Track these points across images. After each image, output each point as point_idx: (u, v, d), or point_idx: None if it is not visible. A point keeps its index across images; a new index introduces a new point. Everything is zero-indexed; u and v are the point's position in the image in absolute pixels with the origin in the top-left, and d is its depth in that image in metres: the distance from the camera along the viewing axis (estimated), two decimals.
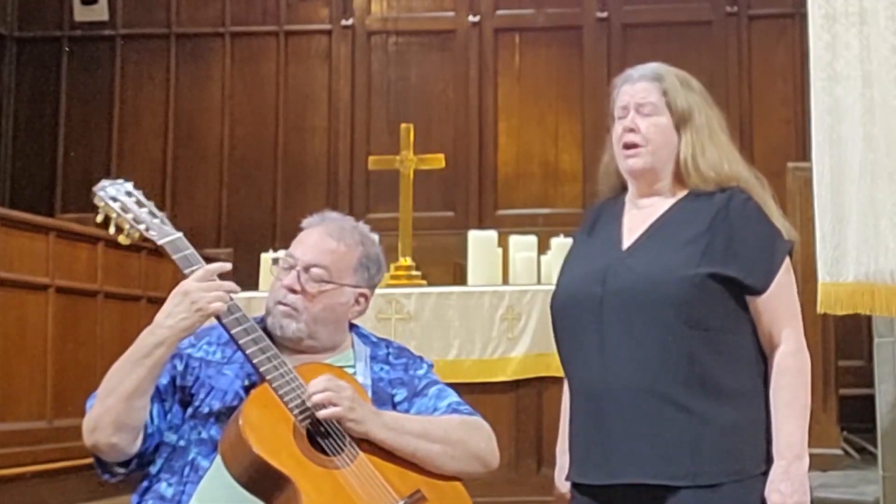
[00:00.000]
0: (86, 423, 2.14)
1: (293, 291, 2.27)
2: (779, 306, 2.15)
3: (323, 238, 2.32)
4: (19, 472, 4.95)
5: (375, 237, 2.43)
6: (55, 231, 5.54)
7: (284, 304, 2.27)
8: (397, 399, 2.30)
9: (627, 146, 2.23)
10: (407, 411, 2.28)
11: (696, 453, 2.07)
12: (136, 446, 2.16)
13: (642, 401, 2.08)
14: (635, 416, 2.08)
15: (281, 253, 2.41)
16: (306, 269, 2.28)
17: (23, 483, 4.97)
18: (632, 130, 2.23)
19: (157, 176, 8.24)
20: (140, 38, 8.61)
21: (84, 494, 5.08)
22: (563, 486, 2.28)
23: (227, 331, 2.15)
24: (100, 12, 8.55)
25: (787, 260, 2.20)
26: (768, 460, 2.12)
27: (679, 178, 2.24)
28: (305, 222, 2.38)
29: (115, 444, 2.12)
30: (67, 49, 8.60)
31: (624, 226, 2.26)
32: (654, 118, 2.23)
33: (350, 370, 2.29)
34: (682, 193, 2.24)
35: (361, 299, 2.35)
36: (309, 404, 2.09)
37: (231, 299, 2.14)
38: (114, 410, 2.10)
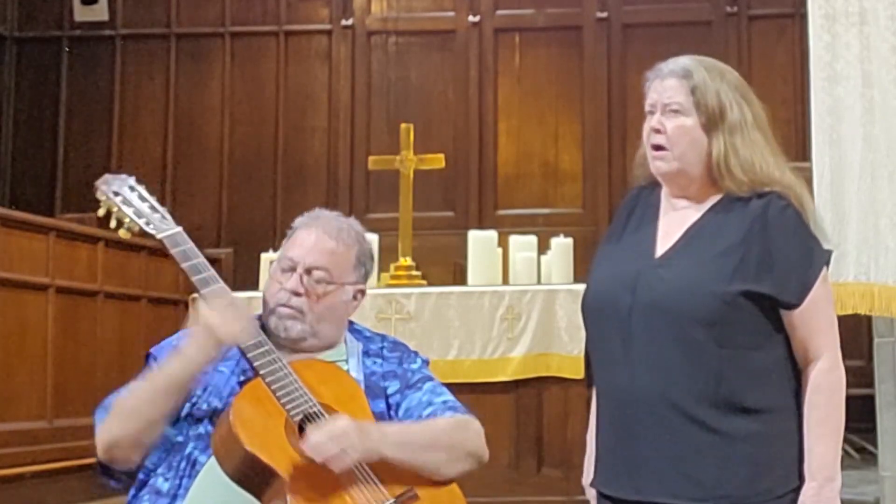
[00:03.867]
0: (103, 440, 2.17)
1: (297, 294, 2.27)
2: (814, 320, 2.07)
3: (321, 239, 2.32)
4: (19, 472, 4.95)
5: (370, 235, 2.45)
6: (55, 231, 5.54)
7: (289, 307, 2.27)
8: (389, 391, 2.30)
9: (654, 147, 2.16)
10: (399, 404, 2.29)
11: (721, 475, 2.03)
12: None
13: (668, 417, 2.04)
14: (661, 432, 2.04)
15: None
16: (308, 271, 2.29)
17: (23, 483, 4.97)
18: (658, 131, 2.15)
19: (157, 176, 8.22)
20: (140, 38, 8.61)
21: (84, 494, 5.07)
22: (589, 490, 2.25)
23: None
24: (100, 12, 8.55)
25: (825, 271, 2.11)
26: (799, 478, 2.06)
27: (714, 179, 2.15)
28: (298, 222, 2.38)
29: (132, 460, 2.17)
30: (67, 49, 8.60)
31: (659, 229, 2.18)
32: (681, 119, 2.14)
33: (343, 365, 2.30)
34: (717, 197, 2.15)
35: (359, 295, 2.37)
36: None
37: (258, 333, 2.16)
38: (136, 433, 2.14)
